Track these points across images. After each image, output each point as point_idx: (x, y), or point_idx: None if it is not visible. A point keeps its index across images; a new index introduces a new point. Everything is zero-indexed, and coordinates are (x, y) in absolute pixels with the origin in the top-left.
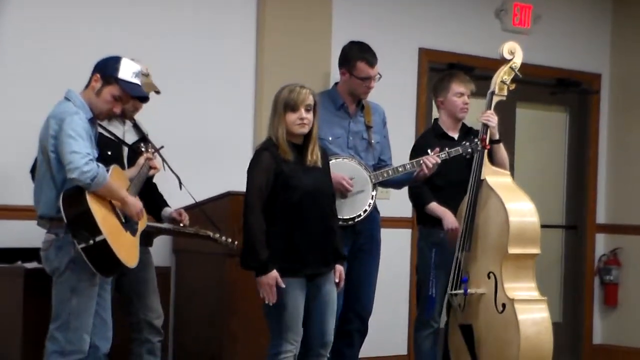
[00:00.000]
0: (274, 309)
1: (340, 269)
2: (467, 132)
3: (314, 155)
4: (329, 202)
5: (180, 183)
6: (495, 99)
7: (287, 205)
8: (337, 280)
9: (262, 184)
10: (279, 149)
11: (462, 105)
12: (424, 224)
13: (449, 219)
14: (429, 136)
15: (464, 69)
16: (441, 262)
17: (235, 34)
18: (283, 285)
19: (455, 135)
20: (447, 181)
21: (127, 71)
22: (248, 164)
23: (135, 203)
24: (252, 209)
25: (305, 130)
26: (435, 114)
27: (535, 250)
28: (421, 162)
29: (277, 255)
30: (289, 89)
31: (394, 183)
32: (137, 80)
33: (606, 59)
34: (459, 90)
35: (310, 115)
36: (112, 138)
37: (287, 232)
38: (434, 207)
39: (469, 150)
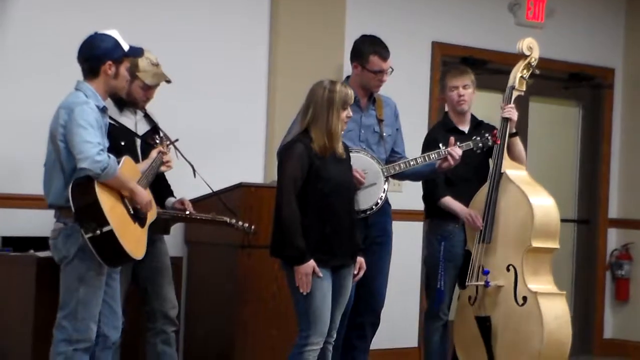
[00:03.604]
0: (304, 299)
1: (361, 260)
2: (478, 126)
3: (341, 147)
4: (353, 194)
5: (194, 170)
6: (515, 94)
7: (318, 197)
8: (356, 272)
9: (296, 175)
10: (326, 143)
11: (458, 99)
12: (432, 217)
13: (464, 210)
14: (439, 130)
15: (477, 62)
16: (450, 255)
17: (248, 27)
18: (320, 275)
19: (466, 129)
20: (459, 176)
21: (123, 41)
22: (278, 156)
23: (144, 194)
24: (286, 199)
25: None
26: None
27: (555, 245)
28: (438, 154)
29: (309, 245)
30: (342, 89)
31: (413, 175)
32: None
33: (619, 53)
34: (451, 85)
35: None
36: (126, 127)
37: (319, 223)
38: (448, 201)
39: (480, 145)
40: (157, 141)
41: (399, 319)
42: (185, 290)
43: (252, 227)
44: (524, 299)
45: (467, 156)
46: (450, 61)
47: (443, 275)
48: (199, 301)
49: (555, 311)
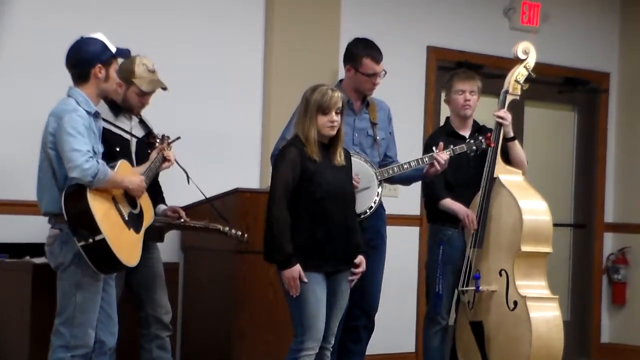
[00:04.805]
0: (297, 304)
1: (361, 258)
2: (478, 130)
3: (340, 156)
4: (351, 200)
5: (187, 177)
6: (509, 98)
7: (310, 201)
8: (356, 270)
9: (288, 178)
10: (307, 148)
11: (463, 102)
12: (433, 221)
13: (462, 209)
14: (439, 134)
15: (472, 67)
16: (448, 259)
17: (243, 31)
18: (305, 280)
19: (466, 134)
20: (459, 179)
21: (110, 44)
22: (272, 160)
23: (134, 180)
24: (277, 203)
25: (334, 132)
26: (444, 112)
27: (547, 249)
28: (430, 157)
29: (300, 249)
30: (321, 92)
31: (402, 179)
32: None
33: (615, 57)
34: (459, 88)
35: (339, 118)
36: (120, 134)
37: (310, 228)
38: (448, 202)
39: (474, 148)
40: (158, 140)
41: (396, 324)
42: (182, 296)
43: (245, 235)
44: (515, 303)
45: (467, 160)
46: (446, 66)
47: (441, 279)
48: (195, 307)
49: (546, 315)
